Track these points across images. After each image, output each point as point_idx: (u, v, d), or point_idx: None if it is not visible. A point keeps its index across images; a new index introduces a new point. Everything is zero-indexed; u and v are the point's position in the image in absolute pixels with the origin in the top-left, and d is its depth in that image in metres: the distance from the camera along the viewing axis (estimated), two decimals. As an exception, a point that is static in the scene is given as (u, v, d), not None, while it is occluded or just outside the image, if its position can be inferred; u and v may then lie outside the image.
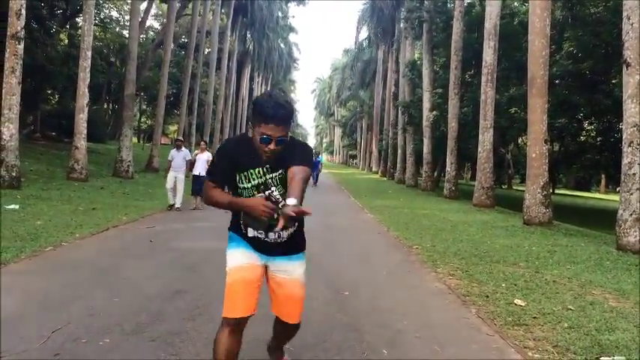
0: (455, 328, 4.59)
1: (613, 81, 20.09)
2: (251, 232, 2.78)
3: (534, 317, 4.92)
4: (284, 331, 3.04)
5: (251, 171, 2.70)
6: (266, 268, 2.86)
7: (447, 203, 19.19)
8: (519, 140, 32.28)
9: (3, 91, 12.26)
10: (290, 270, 2.86)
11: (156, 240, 8.08)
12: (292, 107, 2.67)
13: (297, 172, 2.59)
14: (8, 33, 11.99)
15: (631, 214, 8.93)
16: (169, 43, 26.83)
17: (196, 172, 12.40)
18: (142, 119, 57.79)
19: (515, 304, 5.34)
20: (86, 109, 15.78)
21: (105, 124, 42.81)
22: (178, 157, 12.38)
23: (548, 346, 4.15)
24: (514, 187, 43.29)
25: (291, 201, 2.42)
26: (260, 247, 2.80)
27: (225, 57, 41.96)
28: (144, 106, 53.65)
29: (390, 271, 7.02)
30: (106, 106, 50.89)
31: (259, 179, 2.71)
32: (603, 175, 44.12)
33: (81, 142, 15.83)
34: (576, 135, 24.46)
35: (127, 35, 39.78)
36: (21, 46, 12.14)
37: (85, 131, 16.05)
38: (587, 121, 23.84)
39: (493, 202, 17.29)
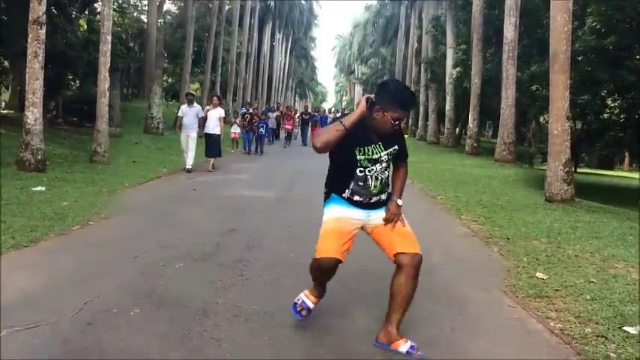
0: (479, 262, 5.09)
1: (637, 56, 19.66)
2: (356, 198, 3.21)
3: (556, 290, 4.94)
4: (410, 271, 3.12)
5: (370, 147, 3.15)
6: (363, 226, 3.28)
7: (468, 159, 19.36)
8: (541, 119, 31.88)
9: (26, 75, 12.45)
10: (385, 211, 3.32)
11: (199, 189, 8.51)
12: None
13: (402, 172, 3.46)
14: (30, 18, 12.14)
15: (655, 189, 8.84)
16: None
17: (209, 130, 11.29)
18: (164, 77, 57.60)
19: (537, 278, 5.34)
20: (107, 94, 15.89)
21: (123, 110, 43.04)
22: (190, 113, 11.11)
23: (570, 317, 4.18)
24: (535, 167, 42.82)
25: (400, 202, 3.31)
26: (361, 205, 3.22)
27: (247, 14, 41.75)
28: (166, 64, 53.45)
29: (417, 217, 7.10)
30: (125, 91, 51.16)
31: (375, 155, 3.17)
32: (627, 153, 43.32)
33: (103, 125, 15.98)
34: (599, 112, 24.02)
35: (145, 20, 40.01)
36: (43, 31, 12.27)
37: (107, 115, 16.21)
38: (610, 98, 23.43)
39: (514, 158, 17.30)
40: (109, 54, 15.67)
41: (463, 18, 27.62)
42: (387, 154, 3.22)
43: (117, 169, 9.61)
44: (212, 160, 11.38)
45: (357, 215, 3.22)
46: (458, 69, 25.66)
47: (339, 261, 3.10)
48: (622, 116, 23.82)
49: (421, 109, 35.66)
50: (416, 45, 39.61)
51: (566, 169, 12.29)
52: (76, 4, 31.71)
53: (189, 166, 11.00)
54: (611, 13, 18.63)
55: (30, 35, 12.15)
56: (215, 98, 12.08)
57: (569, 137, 12.44)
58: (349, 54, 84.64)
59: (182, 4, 37.71)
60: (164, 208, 6.72)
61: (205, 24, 37.36)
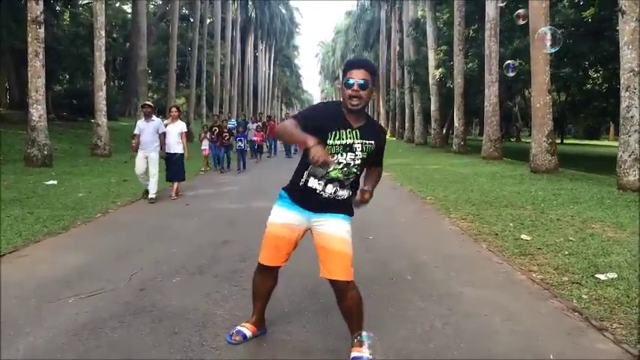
0: (468, 259, 5.28)
1: (617, 27, 20.15)
2: (311, 183, 2.91)
3: (538, 248, 5.58)
4: (338, 296, 2.94)
5: (341, 131, 2.84)
6: (309, 229, 3.01)
7: (456, 158, 19.76)
8: (526, 92, 32.42)
9: (29, 74, 12.84)
10: (332, 224, 2.91)
11: (191, 203, 8.82)
12: (375, 65, 3.05)
13: (376, 171, 3.18)
14: (29, 18, 12.51)
15: (630, 155, 9.48)
16: (176, 16, 27.11)
17: (169, 149, 9.35)
18: (149, 94, 58.08)
19: (522, 239, 6.00)
20: (104, 87, 16.35)
21: (113, 101, 43.25)
22: (148, 129, 8.95)
23: (549, 269, 4.81)
24: (523, 140, 43.56)
25: (368, 187, 3.08)
26: (311, 201, 2.92)
27: (228, 27, 42.01)
28: (150, 81, 53.92)
29: (407, 218, 7.72)
30: (112, 83, 51.21)
31: (347, 140, 2.84)
32: (611, 123, 44.14)
33: (102, 119, 16.45)
34: (582, 84, 24.62)
35: (129, 10, 40.11)
36: (42, 30, 12.67)
37: (105, 108, 16.65)
38: (592, 69, 23.98)
39: (501, 154, 17.84)
40: (103, 48, 16.10)
41: (442, 19, 27.97)
42: (362, 144, 2.87)
43: (110, 189, 9.83)
44: (175, 185, 9.51)
45: (297, 220, 2.98)
46: (440, 70, 25.99)
47: (276, 267, 3.12)
48: (604, 86, 24.37)
49: (407, 111, 35.92)
50: (398, 48, 39.73)
51: (550, 140, 12.96)
52: (61, -1, 31.73)
53: (152, 193, 8.94)
54: (590, -15, 19.06)
55: (30, 35, 12.56)
56: (174, 109, 9.90)
57: (551, 110, 13.09)
58: (333, 60, 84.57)
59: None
60: (158, 224, 6.99)
61: (187, 38, 37.65)
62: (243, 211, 8.21)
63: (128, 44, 38.51)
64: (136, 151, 9.01)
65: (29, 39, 12.59)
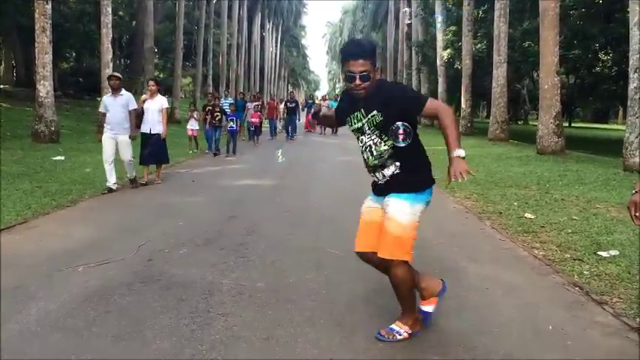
0: (471, 236, 5.33)
1: (628, 9, 19.90)
2: (370, 174, 3.00)
3: (542, 226, 5.62)
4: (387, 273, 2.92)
5: (352, 115, 2.89)
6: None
7: (462, 139, 19.31)
8: (535, 75, 32.13)
9: (36, 50, 12.84)
10: (389, 204, 2.83)
11: (197, 180, 8.90)
12: (371, 44, 2.89)
13: (443, 120, 2.80)
14: (36, -6, 12.50)
15: (637, 137, 9.44)
16: (182, -6, 26.92)
17: (146, 128, 8.18)
18: (155, 72, 57.85)
19: (526, 218, 6.04)
20: (111, 65, 16.27)
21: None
22: (116, 106, 7.56)
23: (552, 246, 4.86)
24: (530, 123, 43.26)
25: (458, 152, 2.69)
26: (375, 188, 2.99)
27: (235, 5, 41.70)
28: (156, 60, 53.62)
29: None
30: (117, 61, 50.98)
31: (357, 124, 2.87)
32: (620, 106, 43.76)
33: (108, 96, 16.46)
34: (591, 66, 24.40)
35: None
36: (49, 6, 12.64)
37: (112, 86, 16.61)
38: (602, 52, 23.73)
39: (507, 136, 17.78)
40: (110, 25, 16.00)
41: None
42: (367, 121, 2.81)
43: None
44: (146, 169, 8.47)
45: (376, 202, 2.98)
46: (449, 50, 25.77)
47: (366, 254, 2.97)
48: (614, 69, 24.13)
49: (414, 92, 35.76)
50: (406, 29, 39.45)
51: (557, 122, 12.90)
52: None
53: (111, 183, 7.52)
54: (601, -34, 18.81)
55: (37, 11, 12.54)
56: (152, 83, 8.59)
57: (559, 91, 13.00)
58: (340, 40, 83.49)
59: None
60: (164, 199, 7.05)
61: (194, 17, 37.38)
62: (248, 188, 8.29)
63: (134, 22, 38.25)
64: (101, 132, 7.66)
65: (36, 15, 12.58)
